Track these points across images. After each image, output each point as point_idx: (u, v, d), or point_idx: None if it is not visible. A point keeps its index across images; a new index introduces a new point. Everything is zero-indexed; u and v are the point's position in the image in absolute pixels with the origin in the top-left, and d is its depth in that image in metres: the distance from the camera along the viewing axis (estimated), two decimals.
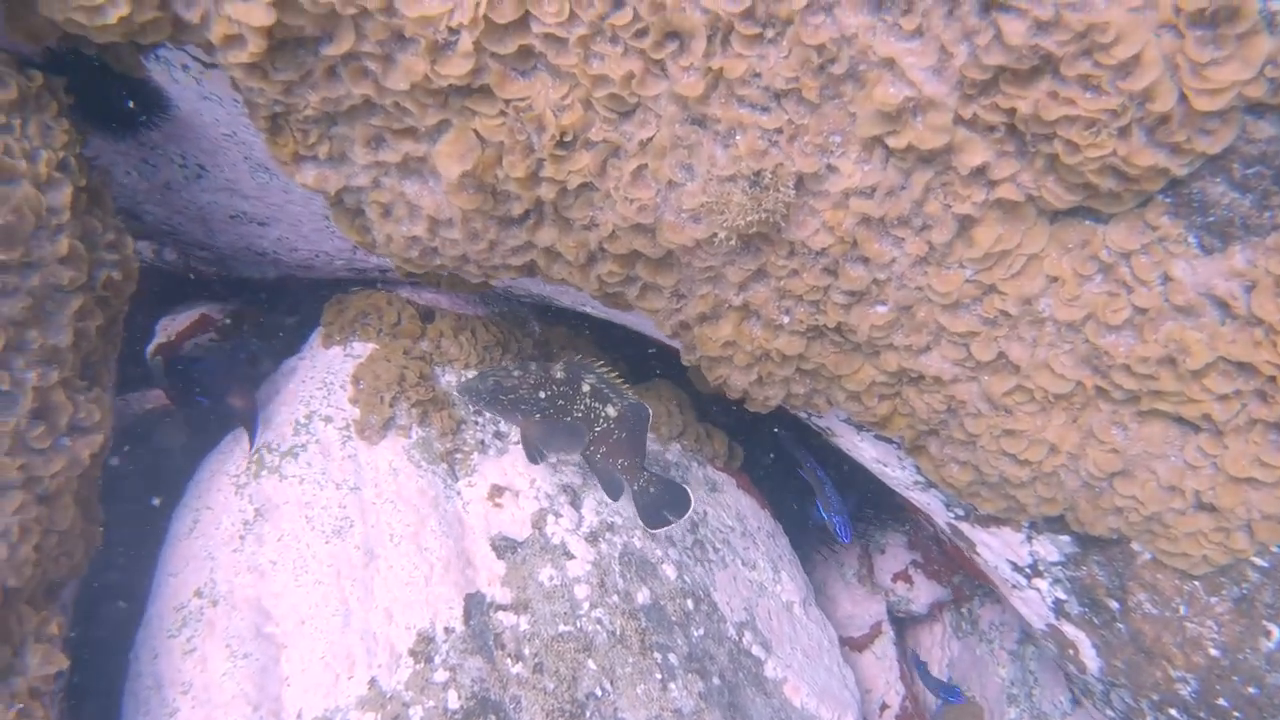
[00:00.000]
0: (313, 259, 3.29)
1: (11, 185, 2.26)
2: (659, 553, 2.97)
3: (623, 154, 2.20)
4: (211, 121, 2.66)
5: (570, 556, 2.79)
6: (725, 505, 3.43)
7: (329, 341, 3.13)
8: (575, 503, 2.97)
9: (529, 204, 2.31)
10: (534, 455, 2.88)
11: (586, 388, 2.79)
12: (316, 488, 2.72)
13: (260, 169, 2.82)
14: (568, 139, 2.17)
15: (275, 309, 3.84)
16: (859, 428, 2.80)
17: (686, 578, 2.98)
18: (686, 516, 2.88)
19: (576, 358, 2.91)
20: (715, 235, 2.17)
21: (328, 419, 2.87)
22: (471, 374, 3.14)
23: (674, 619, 2.83)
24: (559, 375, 2.78)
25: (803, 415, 2.98)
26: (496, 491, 2.88)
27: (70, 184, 2.40)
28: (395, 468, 2.80)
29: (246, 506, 2.72)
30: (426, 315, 3.22)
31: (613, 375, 2.83)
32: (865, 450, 2.91)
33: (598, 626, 2.67)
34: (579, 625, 2.65)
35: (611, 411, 2.79)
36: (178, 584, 2.66)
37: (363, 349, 3.08)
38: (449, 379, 3.11)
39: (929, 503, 2.93)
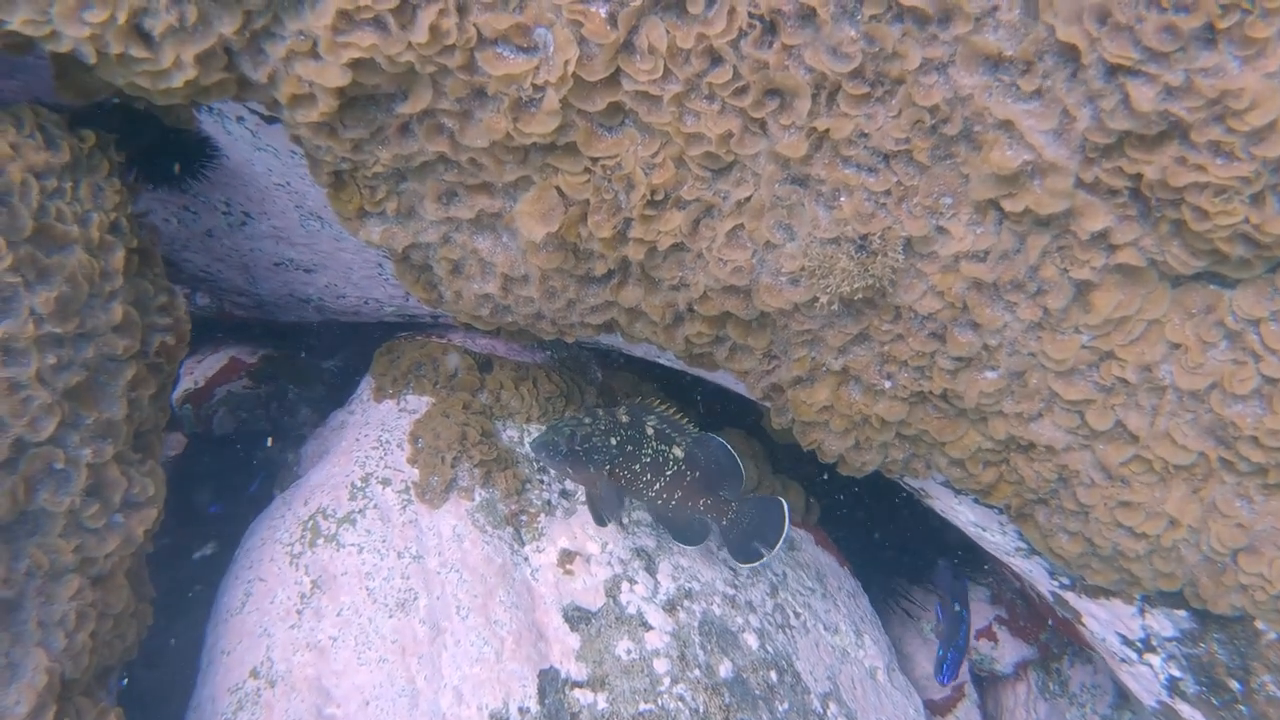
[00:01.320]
0: (361, 305, 3.37)
1: (64, 253, 2.34)
2: (740, 620, 3.04)
3: (717, 213, 2.26)
4: (264, 171, 2.74)
5: (648, 627, 2.86)
6: (804, 565, 3.49)
7: (381, 395, 3.21)
8: (650, 568, 3.03)
9: (614, 263, 2.38)
10: (600, 517, 2.90)
11: (650, 430, 2.84)
12: (377, 557, 2.79)
13: (311, 217, 2.89)
14: (658, 198, 2.24)
15: (311, 350, 3.92)
16: (957, 492, 2.86)
17: (769, 647, 3.04)
18: (784, 538, 2.87)
19: (637, 400, 2.97)
20: (816, 300, 2.24)
21: (385, 481, 2.94)
22: (535, 428, 3.21)
23: (758, 693, 2.89)
24: (624, 419, 2.85)
25: (895, 478, 3.03)
26: (567, 557, 2.94)
27: (123, 246, 2.48)
28: (459, 534, 2.87)
29: (303, 578, 2.79)
30: (484, 364, 3.29)
31: (674, 413, 2.89)
32: (963, 514, 2.97)
33: (680, 704, 2.74)
34: (660, 703, 2.72)
35: (678, 453, 2.84)
36: (231, 663, 2.73)
37: (418, 403, 3.16)
38: (510, 434, 3.18)
39: (1031, 570, 2.99)
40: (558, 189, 2.29)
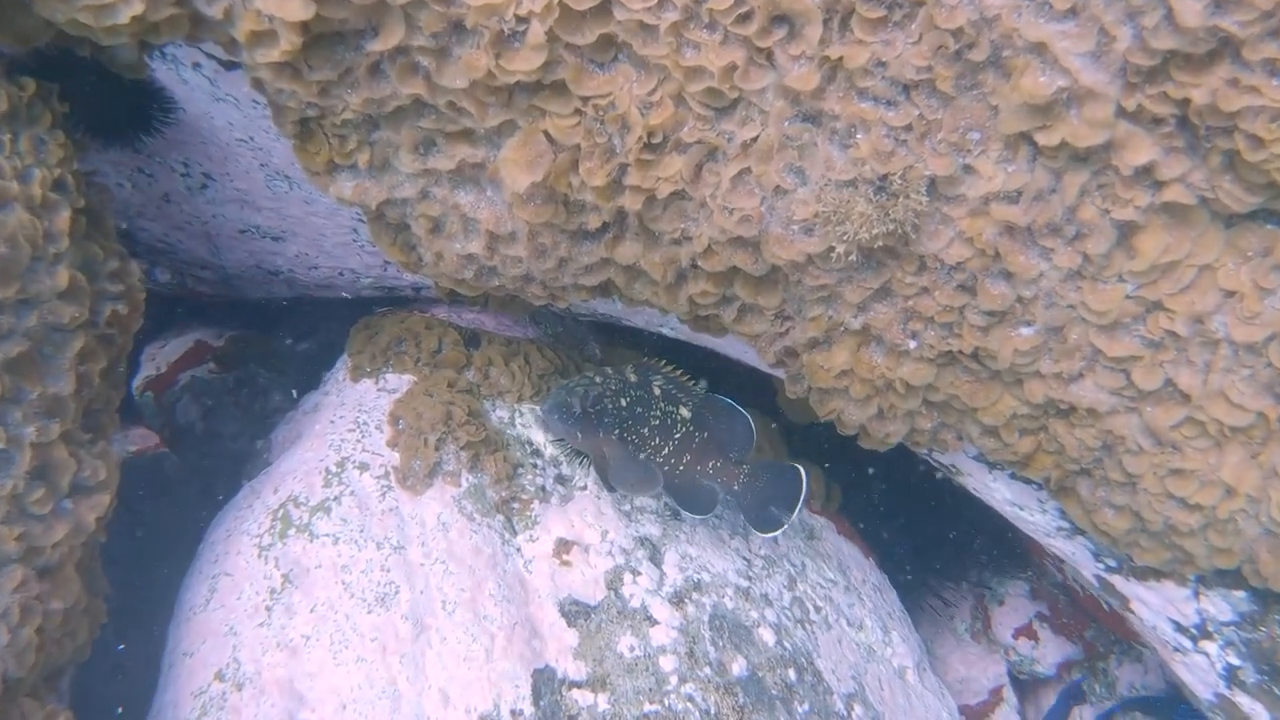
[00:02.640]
0: (335, 277, 3.34)
1: (3, 211, 2.31)
2: (754, 614, 3.00)
3: (721, 157, 2.23)
4: (224, 125, 2.71)
5: (653, 622, 2.82)
6: (825, 555, 3.45)
7: (358, 374, 3.18)
8: (655, 558, 3.00)
9: (609, 216, 2.34)
10: (610, 484, 2.96)
11: (657, 390, 2.90)
12: (354, 548, 2.76)
13: (278, 177, 2.86)
14: (656, 140, 2.20)
15: (283, 333, 3.89)
16: (991, 466, 2.82)
17: (787, 643, 3.00)
18: (801, 504, 2.94)
19: (644, 360, 3.00)
20: (833, 250, 2.20)
21: (363, 466, 2.91)
22: (527, 408, 3.18)
23: (775, 693, 2.85)
24: (632, 378, 2.91)
25: (923, 452, 3.00)
26: (563, 547, 2.91)
27: (68, 206, 2.45)
28: (445, 522, 2.83)
29: (273, 572, 2.75)
30: (471, 340, 3.26)
31: (681, 375, 2.94)
32: (998, 492, 2.93)
33: (689, 705, 2.70)
34: (667, 704, 2.68)
35: (685, 413, 2.89)
36: (194, 665, 2.70)
37: (399, 382, 3.12)
38: (500, 414, 3.14)
39: (1074, 552, 2.95)
40: (545, 133, 2.26)
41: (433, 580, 2.75)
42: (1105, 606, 3.56)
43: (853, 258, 2.20)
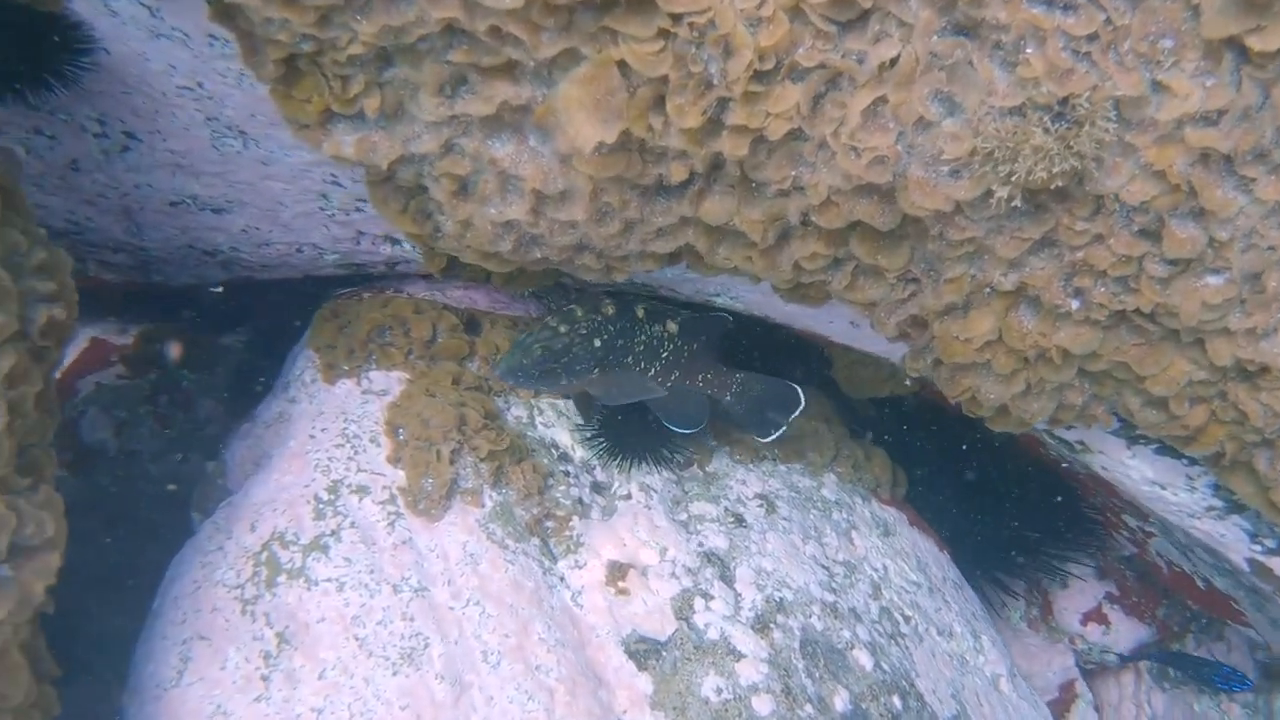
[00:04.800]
0: (290, 255, 2.99)
1: None
2: (846, 634, 2.79)
3: (847, 84, 1.97)
4: (161, 70, 2.36)
5: (738, 656, 2.61)
6: (903, 553, 3.26)
7: (333, 374, 2.85)
8: (726, 576, 2.77)
9: (701, 164, 2.06)
10: (588, 414, 3.02)
11: (641, 313, 2.98)
12: (365, 594, 2.46)
13: (230, 134, 2.52)
14: (767, 67, 1.92)
15: (201, 322, 3.51)
16: (1132, 441, 2.65)
17: (885, 664, 2.81)
18: (799, 412, 3.13)
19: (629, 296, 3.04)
20: (991, 194, 1.96)
21: (362, 490, 2.60)
22: (547, 406, 2.96)
23: None
24: (610, 311, 2.96)
25: (1041, 425, 2.81)
26: (617, 572, 2.67)
27: None
28: (472, 553, 2.55)
29: (264, 631, 2.44)
30: (470, 324, 2.97)
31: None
32: (1136, 470, 2.77)
33: None
34: None
35: (673, 327, 3.02)
36: None
37: (387, 381, 2.82)
38: (516, 413, 2.88)
39: (1222, 534, 2.82)
40: (620, 64, 1.95)
41: (468, 627, 2.48)
42: (1202, 585, 3.47)
43: (1015, 203, 1.96)
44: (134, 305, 3.52)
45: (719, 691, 2.54)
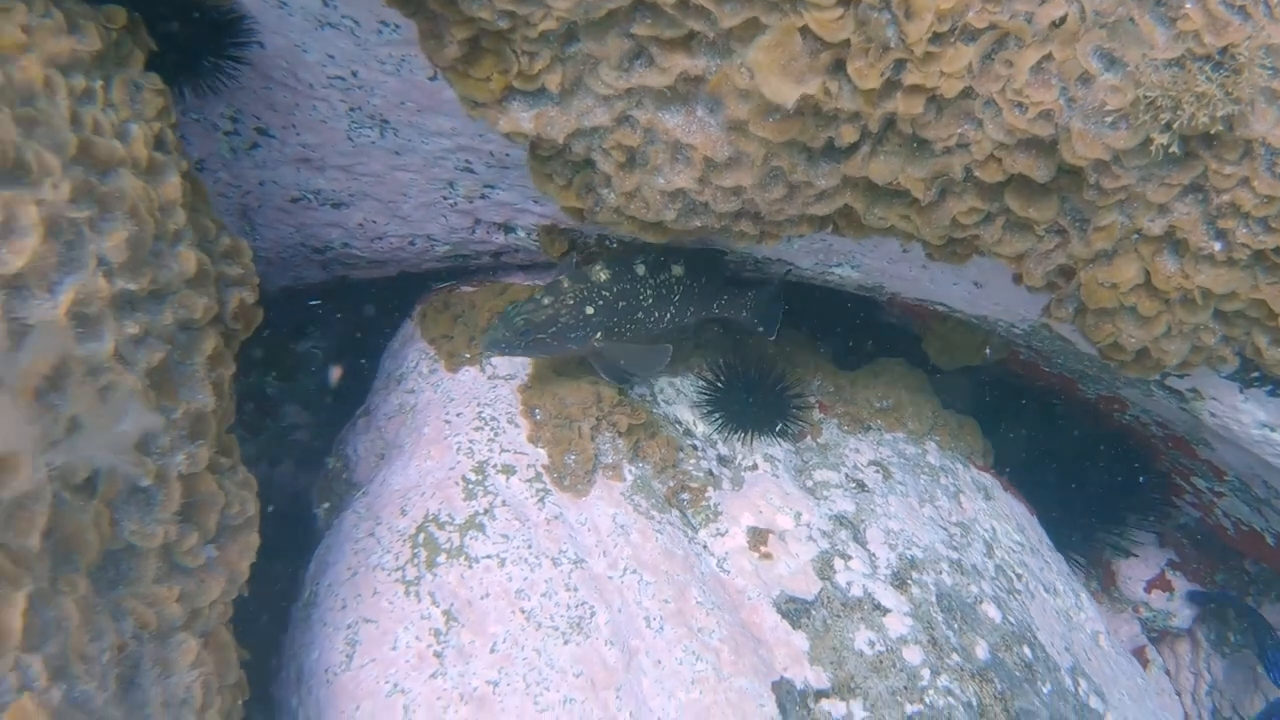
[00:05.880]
0: (403, 247, 3.08)
1: (113, 178, 2.00)
2: (974, 589, 2.93)
3: (1014, 43, 2.13)
4: (318, 61, 2.45)
5: (883, 610, 2.72)
6: (1005, 515, 3.41)
7: (455, 362, 2.94)
8: (858, 537, 2.89)
9: (875, 124, 2.21)
10: (621, 376, 2.98)
11: (641, 269, 3.01)
12: (526, 568, 2.54)
13: (370, 124, 2.62)
14: (946, 28, 2.09)
15: (272, 329, 3.57)
16: (1247, 384, 2.82)
17: (1011, 618, 2.95)
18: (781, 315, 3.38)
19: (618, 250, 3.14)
20: (1150, 142, 2.13)
21: (508, 469, 2.69)
22: (667, 380, 3.06)
23: (1019, 674, 2.79)
24: (604, 277, 2.95)
25: (1161, 375, 2.98)
26: (758, 537, 2.77)
27: (175, 169, 2.16)
28: (622, 524, 2.65)
29: (430, 610, 2.51)
30: None
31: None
32: (1249, 414, 2.93)
33: (950, 699, 2.61)
34: (927, 701, 2.58)
35: (678, 270, 3.09)
36: None
37: (511, 365, 2.91)
38: (639, 390, 2.99)
39: None
40: (803, 30, 2.11)
41: (629, 595, 2.56)
42: (1272, 540, 3.67)
43: (1174, 149, 2.15)
44: None
45: (872, 645, 2.66)
